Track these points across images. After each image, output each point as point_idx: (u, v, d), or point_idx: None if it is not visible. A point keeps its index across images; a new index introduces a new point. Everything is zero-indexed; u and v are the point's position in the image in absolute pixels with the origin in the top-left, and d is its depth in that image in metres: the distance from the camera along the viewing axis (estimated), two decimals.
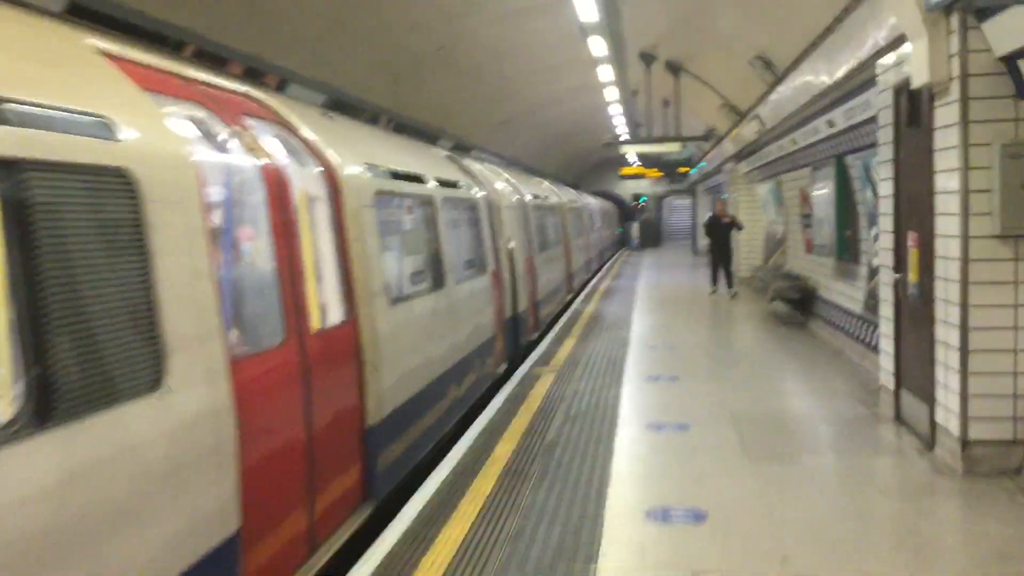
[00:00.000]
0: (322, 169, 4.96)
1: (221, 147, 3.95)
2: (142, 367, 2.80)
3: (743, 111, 15.08)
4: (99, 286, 2.66)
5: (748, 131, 14.68)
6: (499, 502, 5.01)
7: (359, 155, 5.67)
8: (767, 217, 17.55)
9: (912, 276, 6.23)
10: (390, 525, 4.75)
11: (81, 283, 2.59)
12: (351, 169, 5.26)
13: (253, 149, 4.12)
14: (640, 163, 28.56)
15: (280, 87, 9.91)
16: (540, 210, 14.35)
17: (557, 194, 18.35)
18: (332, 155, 5.08)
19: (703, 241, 30.49)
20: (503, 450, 6.09)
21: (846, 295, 10.13)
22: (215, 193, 3.76)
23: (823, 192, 10.79)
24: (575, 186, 32.64)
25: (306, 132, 5.06)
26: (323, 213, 4.91)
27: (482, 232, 9.20)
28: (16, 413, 2.29)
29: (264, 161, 4.14)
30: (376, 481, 4.97)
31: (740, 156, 18.20)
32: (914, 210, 6.22)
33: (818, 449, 6.04)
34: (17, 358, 2.32)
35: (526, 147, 24.06)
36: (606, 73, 16.65)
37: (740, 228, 16.63)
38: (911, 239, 6.24)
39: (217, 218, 3.79)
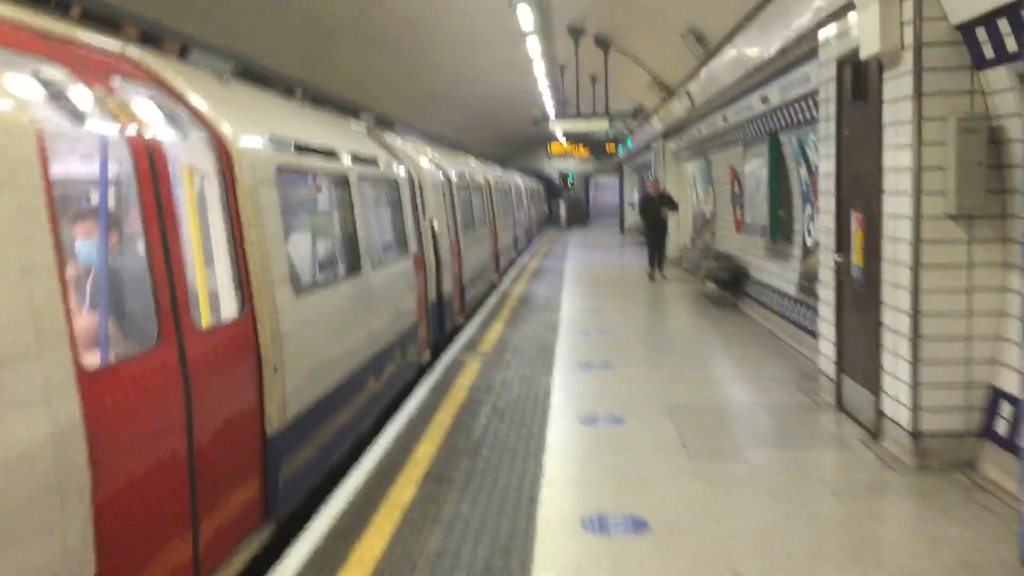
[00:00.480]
0: (212, 141, 4.30)
1: (77, 113, 3.28)
2: None
3: (672, 88, 14.77)
4: None
5: (677, 108, 14.38)
6: (420, 514, 4.49)
7: (259, 126, 5.01)
8: (696, 196, 17.36)
9: (856, 258, 5.93)
10: (294, 545, 4.18)
11: None
12: (248, 141, 4.60)
13: (120, 115, 3.45)
14: (567, 141, 28.22)
15: (182, 54, 9.08)
16: (465, 188, 13.84)
17: (483, 172, 17.83)
18: (225, 125, 4.43)
19: (631, 219, 30.48)
20: (425, 451, 5.57)
21: (779, 276, 9.90)
22: (65, 168, 3.09)
23: (755, 170, 10.54)
24: (503, 164, 32.11)
25: (194, 99, 4.41)
26: (212, 191, 4.27)
27: (403, 212, 8.61)
28: None
29: (133, 129, 3.48)
30: (279, 496, 4.44)
31: (668, 134, 17.96)
32: (859, 189, 5.90)
33: (760, 442, 5.70)
34: None
35: (452, 124, 23.39)
36: (534, 47, 16.12)
37: (674, 207, 15.71)
38: (855, 220, 5.93)
39: (67, 199, 3.12)
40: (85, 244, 3.32)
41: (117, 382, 2.99)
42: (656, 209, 15.43)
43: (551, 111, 22.48)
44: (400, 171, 8.77)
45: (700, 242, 16.65)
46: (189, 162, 4.07)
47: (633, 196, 31.20)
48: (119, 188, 3.50)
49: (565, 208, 40.00)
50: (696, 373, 7.85)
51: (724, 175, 13.49)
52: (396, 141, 10.41)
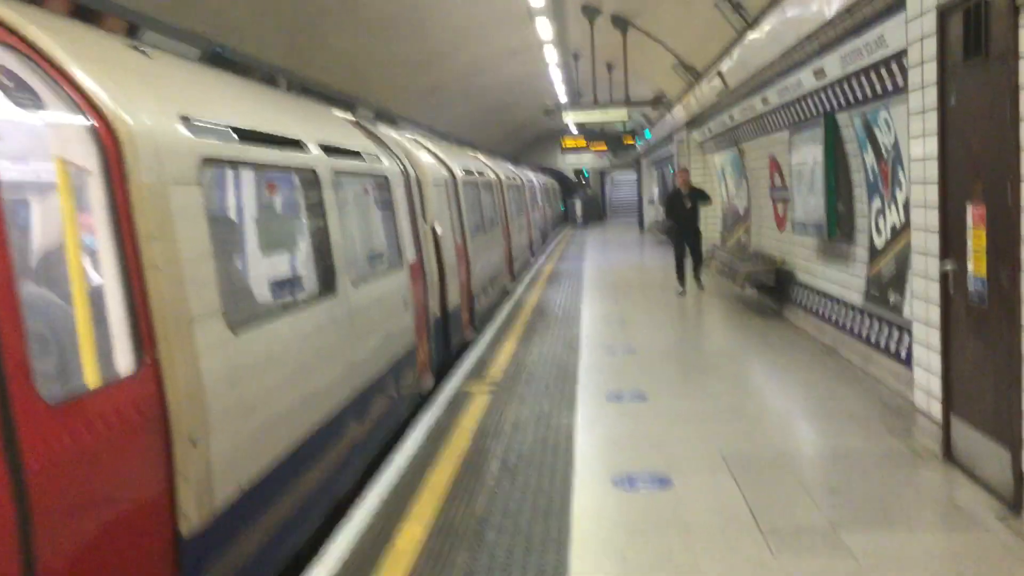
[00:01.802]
0: (96, 126, 3.02)
1: None
2: None
3: (700, 70, 13.32)
4: None
5: (705, 93, 12.94)
6: None
7: (179, 106, 3.66)
8: (725, 190, 15.88)
9: (975, 266, 4.49)
10: None
11: None
12: (153, 125, 3.28)
13: None
14: (581, 135, 26.82)
15: (131, 34, 7.72)
16: (474, 187, 12.47)
17: (494, 169, 16.35)
18: (119, 105, 3.14)
19: (651, 218, 28.82)
20: (410, 536, 4.18)
21: (839, 282, 8.45)
22: None
23: (805, 159, 9.08)
24: (514, 161, 30.71)
25: (79, 72, 3.10)
26: (93, 195, 2.97)
27: (396, 214, 7.23)
28: None
29: None
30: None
31: (693, 123, 16.49)
32: (977, 174, 4.46)
33: (859, 517, 4.26)
34: None
35: (458, 118, 21.99)
36: (545, 29, 14.73)
37: (708, 201, 13.16)
38: (973, 215, 4.49)
39: None
40: None
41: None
42: (686, 207, 12.87)
43: (565, 103, 21.04)
44: (393, 166, 7.44)
45: (732, 240, 15.18)
46: (59, 154, 2.89)
47: (652, 192, 29.69)
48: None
49: (581, 206, 38.55)
50: (751, 405, 6.42)
51: (761, 166, 12.02)
52: (391, 134, 9.16)
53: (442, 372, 8.24)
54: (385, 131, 8.88)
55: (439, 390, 7.30)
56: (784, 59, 8.71)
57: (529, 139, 37.40)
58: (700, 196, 13.07)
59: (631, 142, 24.82)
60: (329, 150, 5.55)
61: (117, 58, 3.67)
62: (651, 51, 15.43)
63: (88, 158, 2.96)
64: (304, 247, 5.27)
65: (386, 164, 7.22)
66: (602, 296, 13.13)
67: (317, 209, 5.16)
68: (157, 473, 3.01)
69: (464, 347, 9.54)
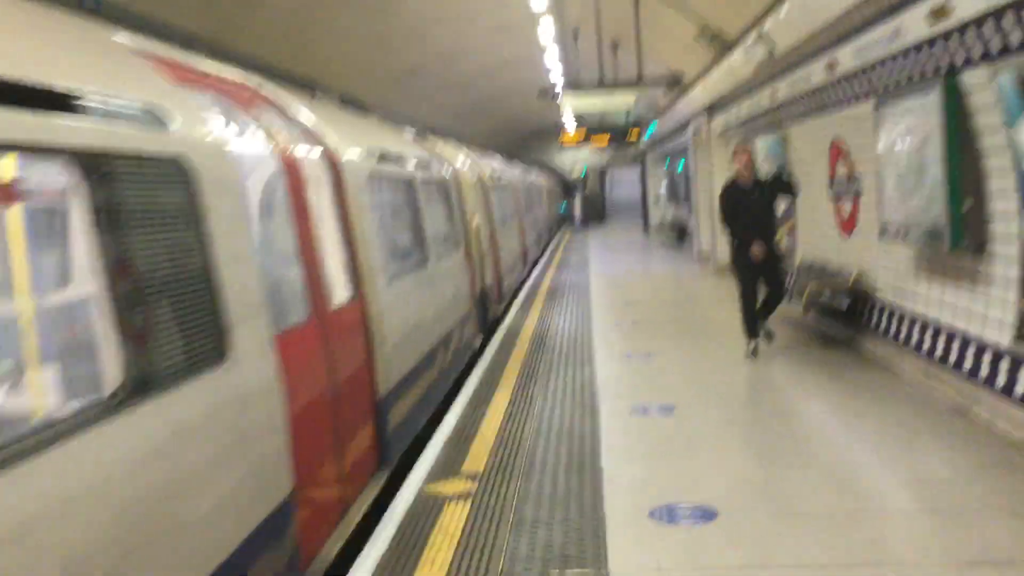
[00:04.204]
0: (324, 154, 4.86)
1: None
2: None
3: (731, 39, 10.86)
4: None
5: (739, 65, 10.47)
6: None
7: (353, 139, 5.79)
8: None
9: None
10: None
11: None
12: (349, 153, 5.57)
13: (271, 138, 4.09)
14: (580, 126, 24.39)
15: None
16: (499, 188, 14.67)
17: (509, 170, 18.62)
18: (332, 140, 5.09)
19: (657, 218, 25.99)
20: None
21: (964, 311, 6.00)
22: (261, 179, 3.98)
23: (903, 139, 6.62)
24: (508, 157, 28.23)
25: (304, 118, 4.88)
26: (329, 196, 4.74)
27: (452, 209, 9.25)
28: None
29: (281, 149, 4.18)
30: (389, 447, 5.07)
31: (715, 107, 14.03)
32: None
33: None
34: None
35: (440, 108, 19.48)
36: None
37: (793, 193, 8.27)
38: None
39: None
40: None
41: (288, 342, 3.57)
42: (752, 209, 7.82)
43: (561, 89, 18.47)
44: (446, 172, 9.41)
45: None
46: (313, 173, 4.52)
47: (660, 190, 27.23)
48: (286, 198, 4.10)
49: (580, 205, 36.13)
50: (872, 529, 3.96)
51: (816, 153, 9.57)
52: (437, 144, 10.83)
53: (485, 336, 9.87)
54: (432, 142, 10.52)
55: (399, 492, 4.86)
56: (871, 2, 6.26)
57: (523, 133, 34.93)
58: (778, 187, 8.06)
59: (636, 137, 22.27)
60: (417, 163, 7.66)
61: (312, 107, 5.34)
62: (666, 22, 12.97)
63: (325, 174, 4.73)
64: (410, 231, 6.95)
65: (443, 170, 9.21)
66: (617, 318, 10.64)
67: (414, 205, 7.13)
68: (366, 358, 4.84)
69: (496, 321, 11.15)
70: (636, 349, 8.54)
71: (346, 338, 4.56)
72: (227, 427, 2.97)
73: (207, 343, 2.90)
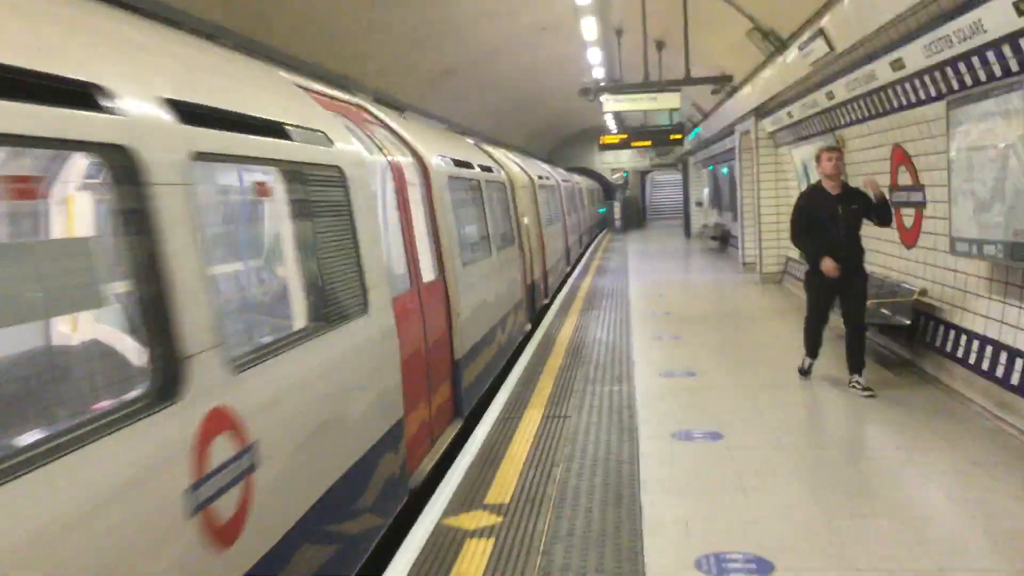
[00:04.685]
0: (417, 161, 6.19)
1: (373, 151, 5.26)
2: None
3: (786, 36, 10.27)
4: None
5: (793, 64, 9.89)
6: None
7: (435, 148, 6.99)
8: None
9: None
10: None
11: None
12: (435, 160, 6.56)
13: (384, 150, 5.46)
14: (621, 128, 23.86)
15: None
16: (545, 190, 15.55)
17: (554, 174, 19.98)
18: (422, 149, 6.38)
19: (699, 223, 25.21)
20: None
21: None
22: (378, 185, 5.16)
23: (983, 143, 6.00)
24: (549, 161, 27.73)
25: (401, 131, 6.34)
26: (421, 195, 6.03)
27: (508, 208, 10.29)
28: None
29: (390, 158, 5.50)
30: (463, 401, 6.31)
31: (763, 109, 13.41)
32: None
33: None
34: None
35: (481, 110, 19.07)
36: None
37: (888, 222, 6.78)
38: None
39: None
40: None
41: (401, 303, 4.77)
42: (839, 225, 6.69)
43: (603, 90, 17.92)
44: (503, 175, 10.48)
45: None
46: (410, 177, 5.80)
47: (703, 194, 26.55)
48: (394, 195, 5.32)
49: (620, 209, 35.50)
50: None
51: (874, 158, 8.95)
52: (491, 149, 12.03)
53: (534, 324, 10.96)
54: (488, 148, 11.85)
55: (415, 525, 4.43)
56: None
57: (563, 136, 34.40)
58: (875, 209, 6.65)
59: (678, 138, 21.61)
60: (480, 167, 8.71)
61: (402, 121, 6.68)
62: (715, 19, 12.40)
63: (418, 178, 6.03)
64: (476, 225, 7.99)
65: (500, 173, 10.32)
66: (658, 332, 10.09)
67: (480, 204, 8.27)
68: (447, 326, 6.08)
69: (544, 309, 12.43)
70: (678, 366, 8.01)
71: (435, 306, 5.90)
72: (371, 355, 4.20)
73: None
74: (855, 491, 4.70)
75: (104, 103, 2.24)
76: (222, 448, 2.52)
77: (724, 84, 13.41)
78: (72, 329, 2.69)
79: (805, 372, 7.25)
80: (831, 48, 8.21)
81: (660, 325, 10.46)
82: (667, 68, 15.73)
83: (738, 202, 16.60)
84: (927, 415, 6.01)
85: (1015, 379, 5.73)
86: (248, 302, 3.91)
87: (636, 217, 37.15)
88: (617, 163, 37.43)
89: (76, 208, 2.61)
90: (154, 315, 2.33)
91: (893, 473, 4.97)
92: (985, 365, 6.21)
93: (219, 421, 2.51)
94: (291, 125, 3.62)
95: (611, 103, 15.04)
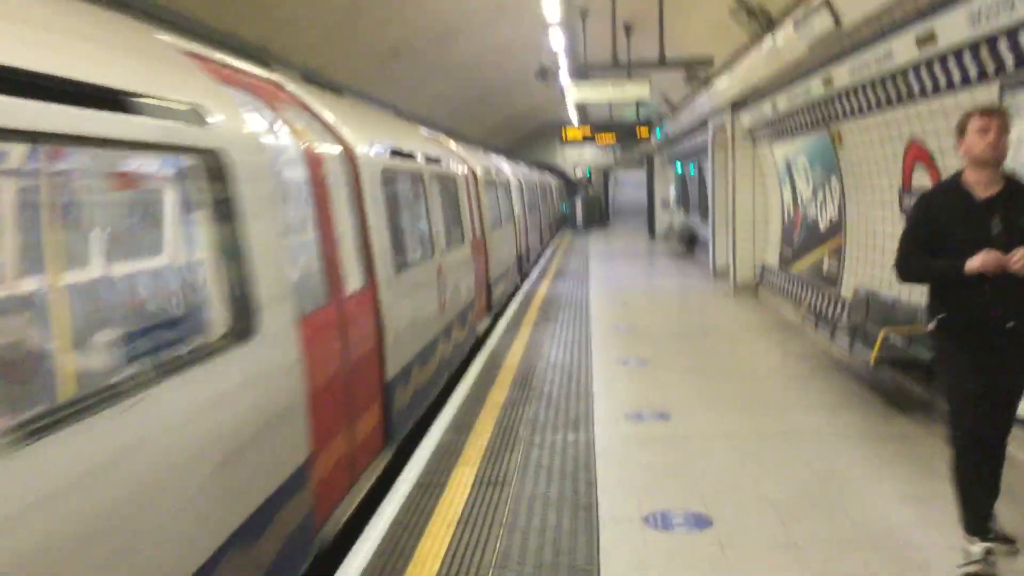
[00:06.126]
0: (343, 151, 5.23)
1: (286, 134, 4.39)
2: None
3: (778, 12, 8.86)
4: None
5: (785, 47, 8.51)
6: None
7: (368, 135, 5.97)
8: (791, 194, 11.47)
9: None
10: None
11: None
12: (364, 149, 5.60)
13: (297, 135, 4.53)
14: (585, 121, 22.49)
15: None
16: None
17: (527, 171, 19.99)
18: (349, 137, 5.37)
19: (664, 223, 23.76)
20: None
21: None
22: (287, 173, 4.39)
23: None
24: (511, 155, 26.24)
25: (325, 116, 5.27)
26: (346, 190, 5.12)
27: (460, 204, 9.56)
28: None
29: (306, 145, 4.57)
30: (395, 428, 5.43)
31: (742, 102, 12.05)
32: None
33: None
34: None
35: (431, 96, 17.46)
36: None
37: None
38: None
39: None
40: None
41: (312, 323, 3.98)
42: (997, 242, 3.45)
43: (566, 77, 16.43)
44: (459, 169, 9.97)
45: (802, 266, 10.78)
46: (332, 167, 4.88)
47: (668, 193, 25.27)
48: (308, 189, 4.46)
49: (582, 207, 34.14)
50: None
51: (881, 156, 7.62)
52: (450, 143, 11.23)
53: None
54: (446, 140, 11.15)
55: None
56: None
57: (523, 130, 32.91)
58: None
59: (646, 134, 20.25)
60: (426, 159, 8.03)
61: (330, 102, 5.73)
62: (688, 2, 10.99)
63: (343, 169, 5.06)
64: (418, 224, 7.30)
65: (454, 167, 9.74)
66: (622, 356, 8.66)
67: (423, 199, 7.52)
68: (376, 343, 5.18)
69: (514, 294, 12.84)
70: (647, 403, 6.57)
71: (361, 320, 5.09)
72: (258, 393, 3.38)
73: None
74: None
75: None
76: None
77: (703, 67, 12.00)
78: None
79: (986, 558, 3.60)
80: (837, 23, 6.82)
81: (625, 345, 9.02)
82: (637, 54, 14.30)
83: (709, 204, 15.27)
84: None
85: None
86: (18, 348, 2.56)
87: (599, 216, 35.81)
88: (580, 160, 36.08)
89: None
90: None
91: (924, 560, 3.56)
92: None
93: None
94: (133, 95, 2.65)
95: (576, 91, 13.60)
